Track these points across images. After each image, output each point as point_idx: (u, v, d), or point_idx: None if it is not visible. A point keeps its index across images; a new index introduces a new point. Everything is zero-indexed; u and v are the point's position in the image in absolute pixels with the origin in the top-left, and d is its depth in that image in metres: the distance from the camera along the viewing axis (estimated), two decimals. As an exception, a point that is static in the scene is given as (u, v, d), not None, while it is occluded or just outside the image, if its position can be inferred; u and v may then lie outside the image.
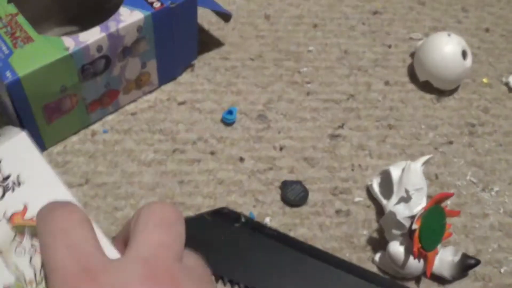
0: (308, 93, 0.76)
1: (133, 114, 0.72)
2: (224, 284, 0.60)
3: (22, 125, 0.63)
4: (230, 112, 0.71)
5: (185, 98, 0.74)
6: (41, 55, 0.62)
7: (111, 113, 0.73)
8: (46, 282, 0.36)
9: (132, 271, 0.34)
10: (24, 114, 0.63)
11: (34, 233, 0.43)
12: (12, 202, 0.45)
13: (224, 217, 0.63)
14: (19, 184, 0.46)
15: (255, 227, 0.63)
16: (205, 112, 0.73)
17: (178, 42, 0.73)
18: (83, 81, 0.66)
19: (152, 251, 0.36)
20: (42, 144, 0.68)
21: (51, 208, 0.40)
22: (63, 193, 0.45)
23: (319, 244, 0.63)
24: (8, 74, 0.60)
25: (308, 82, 0.78)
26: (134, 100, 0.75)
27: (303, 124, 0.73)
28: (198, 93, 0.75)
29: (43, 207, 0.42)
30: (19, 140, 0.48)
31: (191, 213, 0.64)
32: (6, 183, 0.46)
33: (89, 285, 0.33)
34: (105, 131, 0.70)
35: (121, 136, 0.70)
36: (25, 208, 0.44)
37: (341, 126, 0.73)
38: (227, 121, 0.71)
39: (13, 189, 0.45)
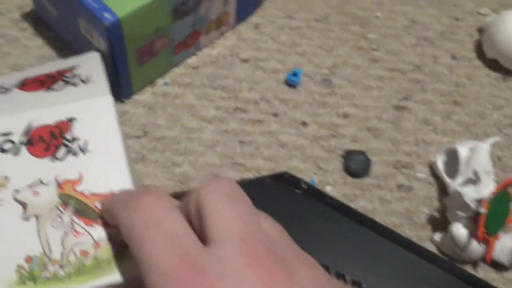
0: (373, 60, 0.74)
1: (195, 68, 0.70)
2: (281, 251, 0.58)
3: (115, 69, 0.61)
4: (294, 74, 0.69)
5: (249, 55, 0.72)
6: None
7: (192, 54, 0.72)
8: (144, 279, 0.33)
9: (234, 255, 0.32)
10: (119, 57, 0.61)
11: (78, 209, 0.41)
12: (70, 167, 0.42)
13: (284, 182, 0.61)
14: (84, 150, 0.43)
15: (316, 195, 0.61)
16: (269, 71, 0.71)
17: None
18: (174, 22, 0.65)
19: (243, 230, 0.33)
20: (130, 89, 0.67)
21: (134, 197, 0.36)
22: (124, 177, 0.42)
23: (379, 218, 0.61)
24: (107, 15, 0.58)
25: (374, 49, 0.75)
26: (211, 42, 0.74)
27: (368, 92, 0.71)
28: (262, 51, 0.73)
29: (118, 196, 0.39)
30: (103, 103, 0.45)
31: (251, 175, 0.62)
32: (71, 144, 0.43)
33: (196, 277, 0.30)
34: (165, 83, 0.68)
35: (182, 89, 0.68)
36: (80, 179, 0.42)
37: (406, 98, 0.71)
38: (291, 82, 0.69)
39: (76, 154, 0.43)
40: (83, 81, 0.48)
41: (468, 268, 0.60)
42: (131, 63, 0.62)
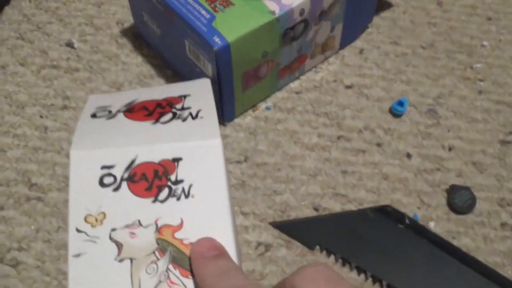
0: (480, 92, 0.72)
1: (297, 93, 0.70)
2: (382, 287, 0.57)
3: (220, 93, 0.62)
4: (400, 103, 0.68)
5: (353, 81, 0.71)
6: (246, 19, 0.60)
7: (296, 78, 0.72)
8: None
9: None
10: (225, 81, 0.62)
11: (176, 258, 0.40)
12: (171, 211, 0.41)
13: (387, 215, 0.61)
14: (187, 195, 0.42)
15: (419, 231, 0.60)
16: (373, 99, 0.70)
17: (362, 3, 0.71)
18: (282, 46, 0.65)
19: None
20: (233, 113, 0.67)
21: (220, 273, 0.36)
22: (226, 230, 0.40)
23: (481, 257, 0.60)
24: (216, 39, 0.58)
25: (481, 80, 0.73)
26: (315, 67, 0.74)
27: (473, 125, 0.69)
28: (366, 78, 0.72)
29: (210, 269, 0.38)
30: (212, 147, 0.43)
31: (353, 206, 0.61)
32: (175, 187, 0.42)
33: None
34: (268, 108, 0.68)
35: (284, 115, 0.68)
36: (181, 225, 0.41)
37: (512, 132, 0.69)
38: (397, 112, 0.68)
39: (179, 198, 0.41)
40: (192, 116, 0.46)
41: None
42: (236, 87, 0.63)
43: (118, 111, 0.47)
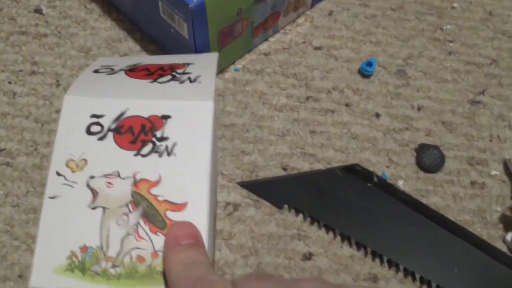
0: (450, 53, 0.72)
1: (266, 54, 0.69)
2: (350, 245, 0.57)
3: (197, 51, 0.61)
4: (369, 63, 0.68)
5: (322, 43, 0.71)
6: None
7: (271, 36, 0.71)
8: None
9: None
10: (201, 39, 0.61)
11: (147, 213, 0.39)
12: (151, 167, 0.41)
13: (356, 174, 0.60)
14: (170, 153, 0.42)
15: (388, 189, 0.60)
16: (342, 60, 0.70)
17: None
18: (256, 3, 0.64)
19: None
20: None
21: (188, 263, 0.36)
22: (203, 193, 0.41)
23: (450, 215, 0.60)
24: None
25: (450, 41, 0.73)
26: (284, 28, 0.73)
27: (443, 85, 0.69)
28: (336, 39, 0.71)
29: (180, 264, 0.38)
30: (203, 108, 0.43)
31: (321, 166, 0.61)
32: (159, 143, 0.42)
33: None
34: (236, 70, 0.67)
35: (253, 76, 0.67)
36: (158, 182, 0.40)
37: (482, 92, 0.69)
38: (366, 72, 0.68)
39: (161, 155, 0.41)
40: (190, 80, 0.46)
41: (541, 271, 0.58)
42: (212, 46, 0.62)
43: (121, 69, 0.47)
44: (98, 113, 0.43)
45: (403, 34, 0.73)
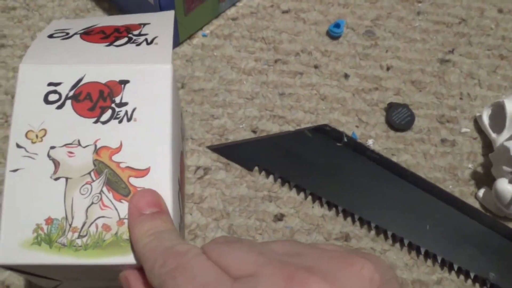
0: (418, 13, 0.72)
1: (234, 19, 0.69)
2: (321, 205, 0.57)
3: None
4: (337, 25, 0.67)
5: (289, 6, 0.70)
6: None
7: (238, 1, 0.70)
8: None
9: (260, 281, 0.31)
10: (167, 5, 0.59)
11: (111, 181, 0.39)
12: (112, 133, 0.40)
13: (325, 134, 0.60)
14: (130, 118, 0.41)
15: (358, 148, 0.60)
16: (310, 23, 0.69)
17: None
18: None
19: (259, 259, 0.33)
20: (177, 39, 0.65)
21: (154, 234, 0.36)
22: (165, 157, 0.40)
23: (421, 173, 0.60)
24: None
25: (419, 1, 0.73)
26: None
27: (412, 45, 0.69)
28: (303, 2, 0.71)
29: (143, 229, 0.37)
30: (161, 72, 0.43)
31: (291, 127, 0.61)
32: (119, 109, 0.41)
33: None
34: (204, 35, 0.67)
35: (220, 41, 0.67)
36: (119, 148, 0.40)
37: (451, 51, 0.69)
38: (334, 34, 0.67)
39: (121, 121, 0.41)
40: (147, 42, 0.45)
41: (512, 225, 0.59)
42: (178, 10, 0.61)
43: (76, 33, 0.46)
44: (55, 80, 0.42)
45: (371, -5, 0.73)
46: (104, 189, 0.39)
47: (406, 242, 0.56)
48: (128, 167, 0.39)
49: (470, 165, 0.61)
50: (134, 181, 0.39)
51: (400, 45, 0.69)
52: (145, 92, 0.42)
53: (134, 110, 0.41)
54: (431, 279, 0.55)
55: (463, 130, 0.63)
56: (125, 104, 0.41)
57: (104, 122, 0.41)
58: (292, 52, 0.66)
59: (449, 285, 0.55)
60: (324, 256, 0.33)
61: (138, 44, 0.45)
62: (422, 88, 0.65)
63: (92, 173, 0.39)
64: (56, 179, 0.39)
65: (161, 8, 0.58)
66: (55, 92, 0.42)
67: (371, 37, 0.69)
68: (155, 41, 0.45)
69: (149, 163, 0.40)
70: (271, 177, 0.58)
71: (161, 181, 0.39)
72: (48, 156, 0.39)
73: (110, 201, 0.39)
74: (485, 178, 0.60)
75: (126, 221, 0.38)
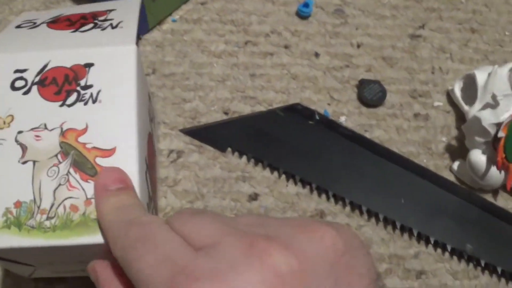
0: (388, -10, 0.72)
1: (203, 3, 0.69)
2: (295, 183, 0.57)
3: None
4: (306, 4, 0.67)
5: (258, -12, 0.70)
6: None
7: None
8: None
9: (224, 251, 0.31)
10: None
11: (77, 162, 0.39)
12: (77, 115, 0.41)
13: (297, 113, 0.60)
14: (94, 100, 0.41)
15: (330, 126, 0.60)
16: (279, 3, 0.69)
17: None
18: None
19: (223, 229, 0.33)
20: (146, 25, 0.65)
21: (119, 207, 0.36)
22: (131, 136, 0.41)
23: (395, 148, 0.60)
24: None
25: (388, -22, 0.73)
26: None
27: (382, 22, 0.69)
28: (272, -17, 0.71)
29: (106, 201, 0.37)
30: (125, 52, 0.43)
31: (263, 108, 0.61)
32: (84, 92, 0.42)
33: (192, 283, 0.29)
34: (173, 20, 0.67)
35: (190, 25, 0.67)
36: (85, 130, 0.40)
37: (422, 27, 0.69)
38: (303, 14, 0.67)
39: (86, 103, 0.41)
40: (112, 26, 0.46)
41: (488, 197, 0.59)
42: None
43: (43, 22, 0.47)
44: (21, 67, 0.43)
45: (340, -26, 0.73)
46: (71, 170, 0.39)
47: (381, 217, 0.56)
48: (95, 148, 0.40)
49: (444, 139, 0.61)
50: (100, 161, 0.40)
51: (370, 22, 0.69)
52: (109, 74, 0.43)
53: (99, 92, 0.42)
54: (408, 253, 0.55)
55: (436, 104, 0.63)
56: (90, 86, 0.42)
57: (69, 105, 0.41)
58: (262, 33, 0.66)
59: (427, 258, 0.55)
60: (286, 224, 0.33)
61: (103, 29, 0.46)
62: (393, 64, 0.65)
63: (59, 155, 0.40)
64: (24, 162, 0.39)
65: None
66: (21, 78, 0.42)
67: (340, 15, 0.69)
68: (120, 25, 0.46)
69: (115, 143, 0.40)
70: (244, 158, 0.58)
71: (127, 160, 0.40)
72: (16, 140, 0.40)
73: (77, 181, 0.39)
74: (459, 150, 0.60)
75: (93, 200, 0.38)
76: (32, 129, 0.41)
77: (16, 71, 0.43)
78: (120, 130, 0.41)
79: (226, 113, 0.60)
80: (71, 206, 0.39)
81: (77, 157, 0.40)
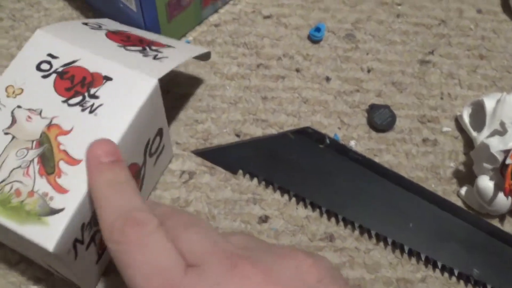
0: (398, 15, 0.73)
1: (216, 25, 0.70)
2: (305, 206, 0.58)
3: (146, 26, 0.61)
4: (318, 29, 0.68)
5: (271, 12, 0.71)
6: None
7: (220, 8, 0.71)
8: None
9: (211, 269, 0.34)
10: (149, 11, 0.60)
11: (44, 156, 0.41)
12: (70, 117, 0.43)
13: (308, 137, 0.61)
14: (92, 111, 0.43)
15: (340, 150, 0.61)
16: (291, 27, 0.70)
17: None
18: None
19: (213, 248, 0.36)
20: None
21: (114, 184, 0.38)
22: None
23: (404, 172, 0.61)
24: None
25: (398, 4, 0.74)
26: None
27: (392, 47, 0.70)
28: (285, 7, 0.72)
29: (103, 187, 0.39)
30: (144, 82, 0.45)
31: (274, 131, 0.62)
32: (88, 99, 0.43)
33: None
34: (187, 42, 0.68)
35: (204, 47, 0.68)
36: (67, 132, 0.42)
37: (431, 52, 0.70)
38: (314, 38, 0.68)
39: (84, 110, 0.43)
40: (154, 57, 0.48)
41: (495, 222, 0.59)
42: (161, 18, 0.62)
43: (106, 29, 0.50)
44: (54, 53, 0.45)
45: (351, 0, 0.74)
46: (36, 160, 0.41)
47: (389, 240, 0.56)
48: (65, 151, 0.42)
49: (452, 164, 0.62)
50: (62, 165, 0.41)
51: (381, 47, 0.70)
52: (119, 94, 0.44)
53: (100, 105, 0.44)
54: (415, 277, 0.56)
55: (444, 129, 0.64)
56: (97, 97, 0.44)
57: (70, 105, 0.43)
58: (274, 57, 0.67)
59: (434, 282, 0.55)
60: (270, 250, 0.36)
61: (146, 56, 0.47)
62: (403, 89, 0.66)
63: (34, 142, 0.42)
64: (6, 133, 0.42)
65: (143, 14, 0.59)
66: (48, 62, 0.45)
67: (351, 40, 0.70)
68: (162, 60, 0.47)
69: (83, 157, 0.42)
70: (255, 180, 0.59)
71: (83, 178, 0.41)
72: (12, 112, 0.43)
73: (34, 172, 0.41)
74: (467, 176, 0.61)
75: (36, 195, 0.40)
76: (29, 109, 0.43)
77: (49, 54, 0.45)
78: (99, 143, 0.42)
79: (237, 135, 0.61)
80: (16, 190, 0.41)
81: (47, 152, 0.42)
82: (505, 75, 0.70)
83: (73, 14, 0.70)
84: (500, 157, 0.56)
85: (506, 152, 0.56)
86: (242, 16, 0.71)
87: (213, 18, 0.70)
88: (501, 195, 0.57)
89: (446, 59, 0.70)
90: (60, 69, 0.45)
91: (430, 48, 0.71)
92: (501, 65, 0.71)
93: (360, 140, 0.62)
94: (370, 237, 0.57)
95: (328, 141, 0.60)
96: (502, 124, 0.57)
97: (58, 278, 0.52)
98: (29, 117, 0.43)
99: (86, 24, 0.51)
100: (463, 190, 0.60)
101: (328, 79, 0.66)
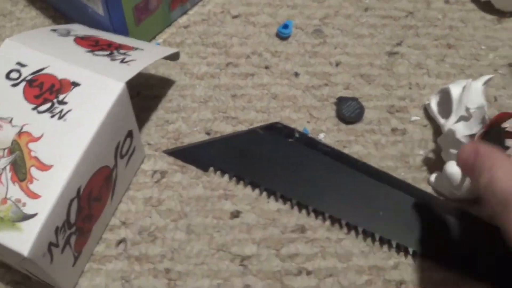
0: (366, 9, 0.74)
1: (185, 27, 0.71)
2: (276, 200, 0.59)
3: (114, 30, 0.62)
4: (285, 26, 0.69)
5: (239, 11, 0.72)
6: None
7: (189, 9, 0.72)
8: None
9: None
10: (117, 16, 0.61)
11: (16, 163, 0.42)
12: (40, 123, 0.43)
13: (277, 132, 0.62)
14: (61, 117, 0.44)
15: (309, 143, 0.61)
16: (260, 26, 0.71)
17: None
18: None
19: None
20: None
21: None
22: (71, 159, 0.43)
23: (373, 163, 0.62)
24: None
25: (365, -2, 0.75)
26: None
27: (360, 40, 0.71)
28: (252, 6, 0.73)
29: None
30: (111, 86, 0.46)
31: (244, 127, 0.63)
32: (58, 106, 0.44)
33: None
34: (157, 44, 0.69)
35: (173, 49, 0.69)
36: (38, 139, 0.43)
37: (399, 44, 0.71)
38: (283, 35, 0.69)
39: (53, 116, 0.44)
40: (122, 61, 0.49)
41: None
42: (129, 22, 0.63)
43: (75, 35, 0.50)
44: (23, 62, 0.46)
45: (318, -5, 0.75)
46: (8, 167, 0.42)
47: (360, 229, 0.57)
48: (36, 158, 0.42)
49: (421, 152, 0.63)
50: (34, 171, 0.42)
51: (349, 41, 0.71)
52: (87, 99, 0.45)
53: (69, 111, 0.44)
54: (388, 264, 0.56)
55: (413, 118, 0.65)
56: (65, 103, 0.44)
57: (39, 112, 0.44)
58: (243, 55, 0.68)
59: (406, 269, 0.56)
60: None
61: (113, 60, 0.48)
62: (371, 81, 0.67)
63: (6, 150, 0.42)
64: None
65: (111, 19, 0.60)
66: (17, 71, 0.45)
67: (319, 35, 0.71)
68: (129, 63, 0.48)
69: (54, 162, 0.42)
70: (226, 176, 0.60)
71: (54, 182, 0.42)
72: None
73: (7, 179, 0.42)
74: (436, 163, 0.62)
75: (9, 202, 0.41)
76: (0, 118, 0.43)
77: (18, 63, 0.46)
78: (64, 152, 0.43)
79: (208, 133, 0.62)
80: None
81: (18, 159, 0.42)
82: (473, 63, 0.71)
83: (45, 23, 0.71)
84: (465, 142, 0.57)
85: (472, 137, 0.57)
86: (211, 16, 0.72)
87: (182, 20, 0.72)
88: (469, 180, 0.58)
89: (414, 49, 0.71)
90: (29, 77, 0.46)
91: (398, 39, 0.72)
92: (469, 53, 0.71)
93: (329, 132, 0.63)
94: (341, 226, 0.58)
95: (297, 135, 0.61)
96: (467, 109, 0.58)
97: (36, 281, 0.52)
98: (0, 125, 0.44)
99: (55, 30, 0.52)
100: (433, 177, 0.61)
101: (296, 74, 0.67)
